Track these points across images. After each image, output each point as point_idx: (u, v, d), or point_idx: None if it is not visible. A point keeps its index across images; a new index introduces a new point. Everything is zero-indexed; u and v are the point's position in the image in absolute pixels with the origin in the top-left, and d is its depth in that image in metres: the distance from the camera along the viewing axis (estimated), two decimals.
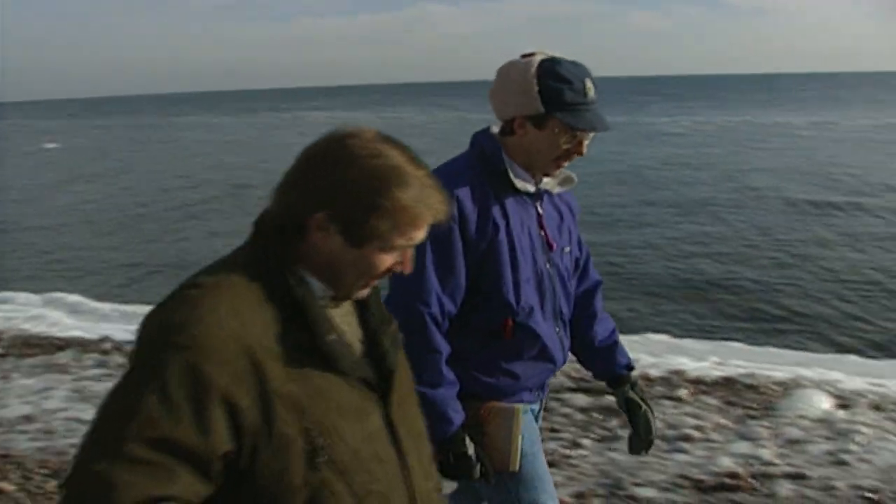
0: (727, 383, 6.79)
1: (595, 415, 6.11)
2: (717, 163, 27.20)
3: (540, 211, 2.69)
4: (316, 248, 1.61)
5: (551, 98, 2.46)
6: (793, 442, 5.56)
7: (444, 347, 2.49)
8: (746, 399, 6.38)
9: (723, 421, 5.95)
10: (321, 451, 1.53)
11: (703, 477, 5.10)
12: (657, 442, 5.67)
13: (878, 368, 7.30)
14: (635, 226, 16.56)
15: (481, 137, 2.65)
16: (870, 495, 4.86)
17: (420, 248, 2.12)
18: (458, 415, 2.49)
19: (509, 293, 2.55)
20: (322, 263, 1.62)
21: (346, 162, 1.56)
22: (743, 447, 5.48)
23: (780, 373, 6.99)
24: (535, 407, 2.82)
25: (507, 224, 2.55)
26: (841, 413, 6.06)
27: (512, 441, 2.52)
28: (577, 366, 7.00)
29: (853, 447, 5.49)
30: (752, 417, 6.00)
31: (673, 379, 6.91)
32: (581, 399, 6.37)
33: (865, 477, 5.10)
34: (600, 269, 3.11)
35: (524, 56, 2.55)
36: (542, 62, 2.50)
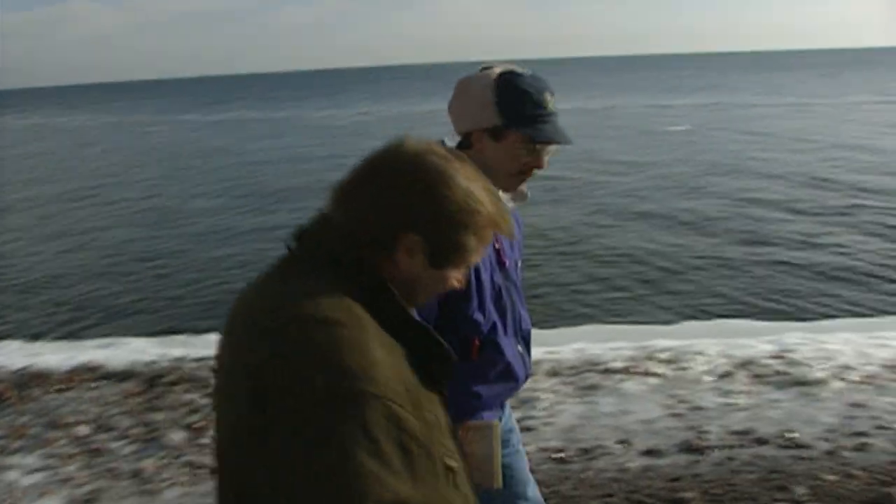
0: None
1: None
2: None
3: None
4: (398, 266, 1.54)
5: (510, 110, 2.37)
6: None
7: None
8: None
9: None
10: (454, 472, 1.49)
11: None
12: None
13: (551, 337, 7.80)
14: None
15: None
16: (557, 455, 5.18)
17: None
18: None
19: (475, 312, 2.43)
20: (400, 281, 1.54)
21: (442, 183, 1.51)
22: None
23: None
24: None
25: None
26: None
27: (494, 458, 2.36)
28: None
29: (537, 413, 5.84)
30: None
31: None
32: None
33: (551, 439, 5.43)
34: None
35: (483, 69, 2.47)
36: (501, 74, 2.42)
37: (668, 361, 6.82)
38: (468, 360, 2.45)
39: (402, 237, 1.51)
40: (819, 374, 6.37)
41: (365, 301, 1.46)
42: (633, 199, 17.12)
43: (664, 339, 7.56)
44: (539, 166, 2.44)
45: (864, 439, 5.20)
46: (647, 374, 6.58)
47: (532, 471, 4.75)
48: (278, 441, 1.31)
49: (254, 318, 1.44)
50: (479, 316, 2.44)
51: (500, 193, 2.41)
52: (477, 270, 2.42)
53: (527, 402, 6.01)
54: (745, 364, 6.67)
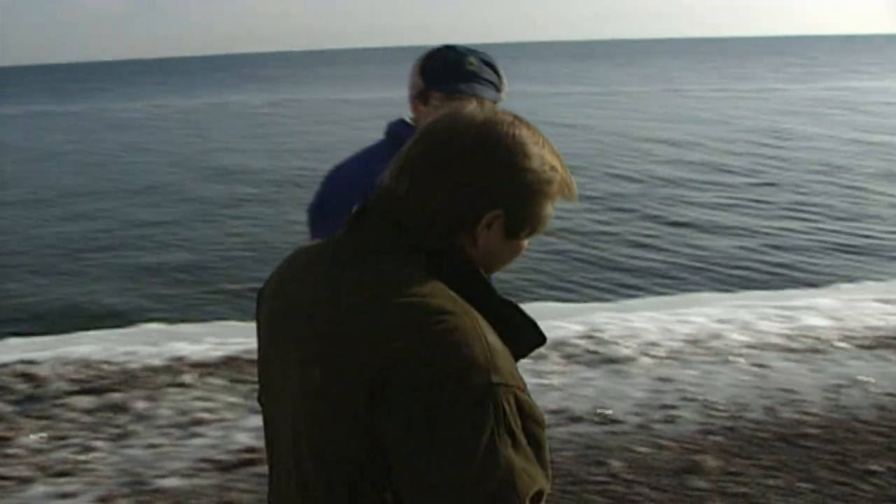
0: (230, 362, 6.81)
1: (103, 414, 5.77)
2: (176, 147, 26.96)
3: None
4: (476, 242, 1.47)
5: (430, 72, 2.52)
6: None
7: None
8: (251, 374, 6.44)
9: (232, 399, 5.98)
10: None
11: (223, 457, 5.10)
12: (172, 430, 5.61)
13: None
14: (94, 216, 15.80)
15: (397, 126, 2.62)
16: None
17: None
18: None
19: None
20: (479, 257, 1.48)
21: (520, 154, 1.45)
22: (255, 421, 5.53)
23: None
24: None
25: None
26: None
27: None
28: (75, 366, 6.70)
29: None
30: None
31: (175, 366, 6.77)
32: (85, 401, 5.98)
33: None
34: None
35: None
36: (434, 48, 2.58)
37: None
38: None
39: (488, 214, 1.45)
40: (627, 352, 6.71)
41: (455, 284, 1.41)
42: None
43: None
44: None
45: (672, 411, 5.52)
46: None
47: None
48: (420, 442, 1.28)
49: (357, 313, 1.36)
50: None
51: None
52: None
53: None
54: (557, 345, 6.91)
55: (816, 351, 6.98)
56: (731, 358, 6.65)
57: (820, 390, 5.85)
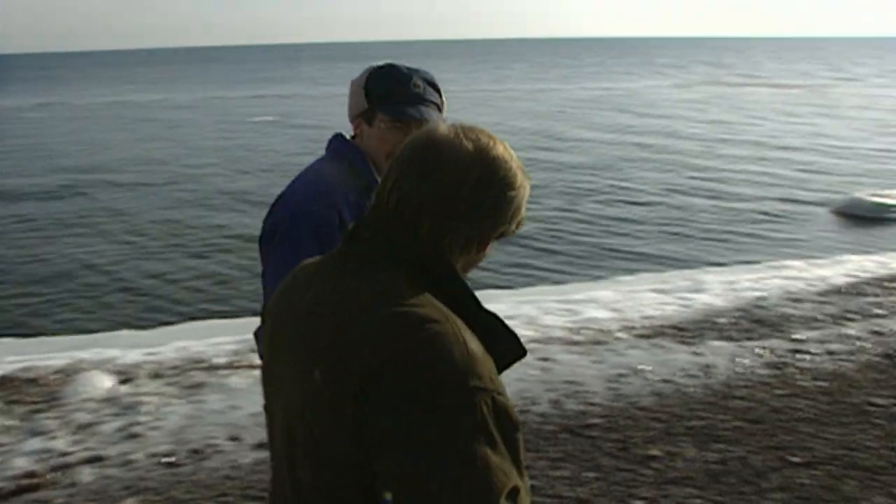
0: (5, 381, 6.35)
1: None
2: None
3: None
4: (465, 258, 1.62)
5: (375, 93, 2.52)
6: (84, 427, 5.44)
7: None
8: (29, 394, 6.05)
9: (8, 422, 5.56)
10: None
11: (0, 484, 4.71)
12: None
13: (150, 338, 7.50)
14: None
15: (342, 145, 2.62)
16: (166, 459, 4.98)
17: (307, 249, 2.23)
18: None
19: None
20: (459, 267, 1.61)
21: (495, 168, 1.56)
22: (35, 443, 5.20)
23: (58, 360, 6.77)
24: None
25: None
26: (124, 388, 6.12)
27: None
28: None
29: (142, 418, 5.58)
30: (39, 411, 5.71)
31: None
32: None
33: (159, 443, 5.22)
34: None
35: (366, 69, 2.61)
36: (376, 66, 2.58)
37: None
38: None
39: (489, 236, 1.60)
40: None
41: (443, 295, 1.51)
42: (235, 190, 17.04)
43: None
44: None
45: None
46: (251, 367, 6.53)
47: (142, 479, 4.55)
48: (403, 443, 1.36)
49: (353, 321, 1.45)
50: None
51: None
52: None
53: (130, 408, 5.73)
54: None
55: (598, 342, 7.24)
56: None
57: (602, 380, 6.06)
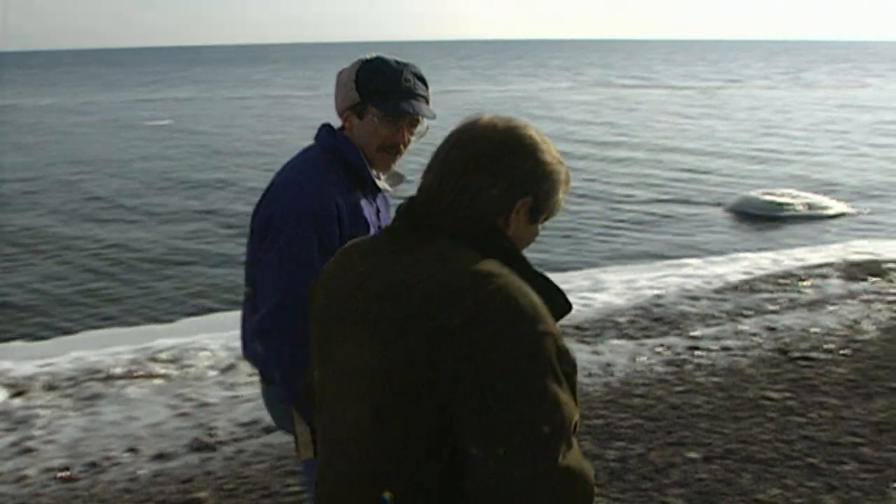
0: None
1: None
2: None
3: (379, 206, 2.75)
4: (509, 227, 1.75)
5: (366, 87, 2.56)
6: None
7: None
8: None
9: None
10: None
11: None
12: None
13: (45, 349, 7.29)
14: None
15: (330, 137, 2.66)
16: (62, 474, 4.84)
17: (304, 251, 2.41)
18: None
19: None
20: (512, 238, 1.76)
21: (540, 150, 1.75)
22: None
23: None
24: None
25: (367, 219, 2.60)
26: (17, 401, 5.93)
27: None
28: None
29: (36, 432, 5.42)
30: None
31: None
32: None
33: (54, 458, 5.07)
34: None
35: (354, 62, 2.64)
36: (366, 59, 2.62)
37: (171, 361, 6.70)
38: None
39: (518, 201, 1.74)
40: None
41: (499, 260, 1.65)
42: (115, 197, 16.65)
43: (165, 338, 7.44)
44: (399, 141, 2.63)
45: None
46: (150, 376, 6.41)
47: (36, 495, 4.41)
48: (482, 389, 1.49)
49: (422, 285, 1.57)
50: None
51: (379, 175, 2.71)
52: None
53: (23, 422, 5.54)
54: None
55: None
56: None
57: None
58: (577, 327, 7.81)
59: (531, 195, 1.74)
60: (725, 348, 6.78)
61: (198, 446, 5.15)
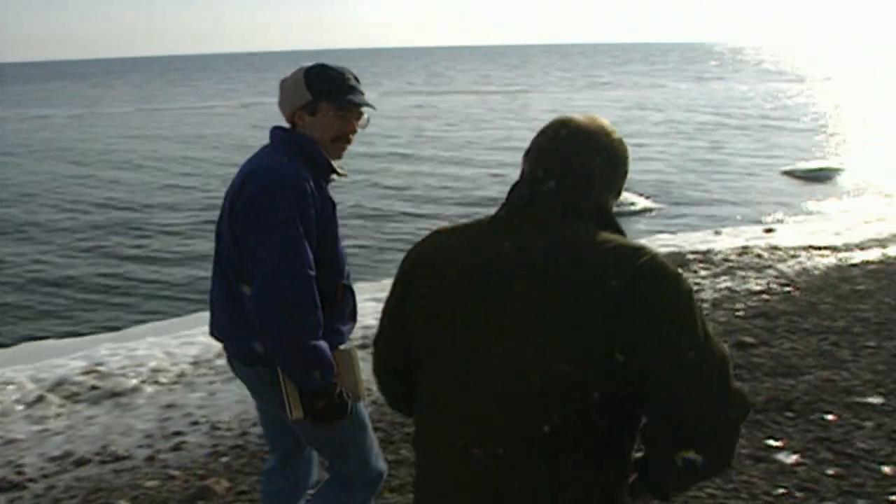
0: None
1: None
2: None
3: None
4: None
5: (316, 87, 2.92)
6: None
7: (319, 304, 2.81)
8: None
9: None
10: None
11: None
12: None
13: None
14: None
15: (287, 134, 2.99)
16: None
17: (291, 224, 2.72)
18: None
19: (341, 261, 3.00)
20: None
21: (622, 144, 2.09)
22: None
23: None
24: None
25: (331, 199, 2.95)
26: None
27: (359, 377, 2.99)
28: None
29: None
30: None
31: None
32: None
33: None
34: None
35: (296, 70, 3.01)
36: (308, 66, 3.00)
37: None
38: (334, 302, 2.94)
39: (612, 196, 2.08)
40: (132, 383, 6.49)
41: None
42: None
43: None
44: (350, 131, 3.00)
45: (179, 438, 5.43)
46: None
47: None
48: (663, 334, 1.80)
49: (578, 259, 1.86)
50: (342, 266, 3.02)
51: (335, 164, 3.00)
52: (338, 231, 2.99)
53: None
54: (58, 385, 6.50)
55: None
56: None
57: None
58: None
59: (617, 190, 2.10)
60: None
61: (4, 486, 4.90)
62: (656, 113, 36.61)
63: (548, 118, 2.11)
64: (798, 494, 4.24)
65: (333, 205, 2.96)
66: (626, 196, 16.55)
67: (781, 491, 4.29)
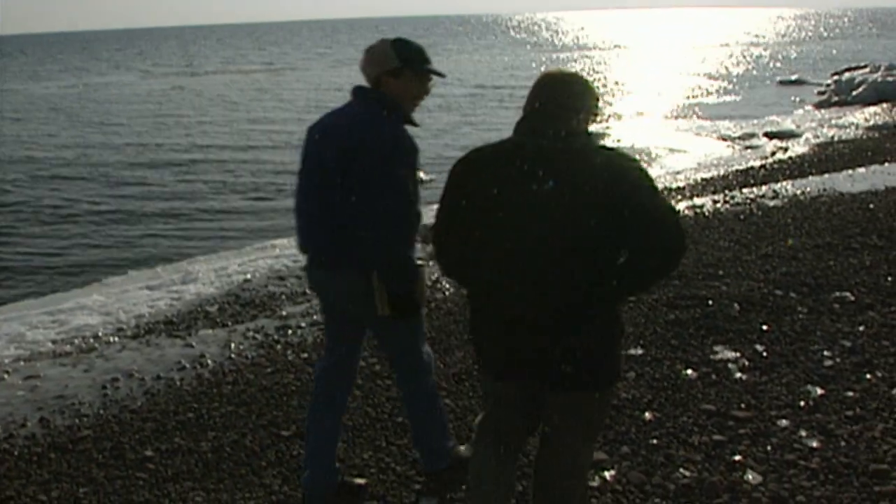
0: None
1: None
2: None
3: None
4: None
5: (403, 55, 3.70)
6: None
7: None
8: None
9: None
10: None
11: None
12: None
13: None
14: None
15: (373, 92, 3.72)
16: None
17: (405, 154, 3.57)
18: None
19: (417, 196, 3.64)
20: None
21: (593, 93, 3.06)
22: None
23: None
24: None
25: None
26: None
27: (424, 286, 3.77)
28: None
29: None
30: None
31: None
32: None
33: None
34: None
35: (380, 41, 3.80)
36: (393, 38, 3.81)
37: None
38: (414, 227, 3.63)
39: (589, 119, 3.01)
40: None
41: None
42: None
43: None
44: (426, 92, 3.83)
45: None
46: None
47: None
48: (645, 197, 2.77)
49: (592, 163, 2.81)
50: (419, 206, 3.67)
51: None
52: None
53: None
54: None
55: (89, 350, 6.96)
56: (2, 376, 6.28)
57: (93, 390, 5.82)
58: (168, 322, 7.66)
59: (593, 116, 3.02)
60: (314, 324, 6.97)
61: None
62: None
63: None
64: None
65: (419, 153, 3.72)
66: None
67: None
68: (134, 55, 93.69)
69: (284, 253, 10.36)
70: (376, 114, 3.63)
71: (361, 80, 3.75)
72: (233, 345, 6.58)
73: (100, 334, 7.52)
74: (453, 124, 26.49)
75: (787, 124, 24.10)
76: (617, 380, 3.04)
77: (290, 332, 6.83)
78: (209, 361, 6.24)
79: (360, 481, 4.19)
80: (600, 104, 3.06)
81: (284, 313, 7.41)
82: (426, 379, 4.07)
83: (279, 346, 6.47)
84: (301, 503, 4.09)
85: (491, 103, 33.12)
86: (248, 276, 9.18)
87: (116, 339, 7.31)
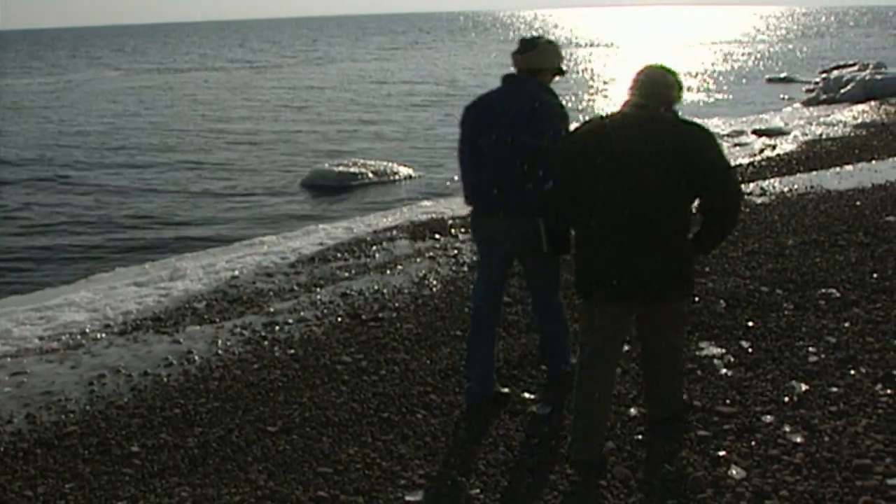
0: None
1: None
2: None
3: None
4: None
5: (559, 60, 4.94)
6: None
7: None
8: None
9: None
10: None
11: None
12: None
13: None
14: None
15: (529, 79, 4.80)
16: None
17: (563, 117, 4.73)
18: None
19: None
20: None
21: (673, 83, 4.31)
22: None
23: None
24: None
25: None
26: None
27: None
28: None
29: None
30: None
31: None
32: None
33: None
34: None
35: (534, 38, 4.91)
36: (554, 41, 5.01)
37: None
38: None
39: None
40: None
41: None
42: None
43: None
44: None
45: None
46: None
47: None
48: (715, 158, 4.03)
49: (666, 131, 4.01)
50: None
51: None
52: None
53: None
54: None
55: (76, 346, 6.95)
56: None
57: (80, 386, 5.82)
58: (155, 318, 7.64)
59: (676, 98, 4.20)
60: (301, 320, 6.97)
61: None
62: (402, 85, 37.26)
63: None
64: (552, 442, 4.47)
65: None
66: (386, 166, 17.06)
67: (537, 441, 4.51)
68: (114, 52, 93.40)
69: (272, 250, 10.36)
70: (528, 86, 4.78)
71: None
72: (220, 341, 6.57)
73: (87, 330, 7.50)
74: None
75: (776, 122, 24.27)
76: (694, 288, 4.68)
77: (277, 328, 6.82)
78: (196, 358, 6.24)
79: (506, 391, 5.07)
80: (683, 91, 4.25)
81: (272, 310, 7.41)
82: (559, 300, 5.07)
83: (266, 343, 6.46)
84: (463, 415, 4.92)
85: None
86: (236, 272, 9.17)
87: (104, 335, 7.30)
